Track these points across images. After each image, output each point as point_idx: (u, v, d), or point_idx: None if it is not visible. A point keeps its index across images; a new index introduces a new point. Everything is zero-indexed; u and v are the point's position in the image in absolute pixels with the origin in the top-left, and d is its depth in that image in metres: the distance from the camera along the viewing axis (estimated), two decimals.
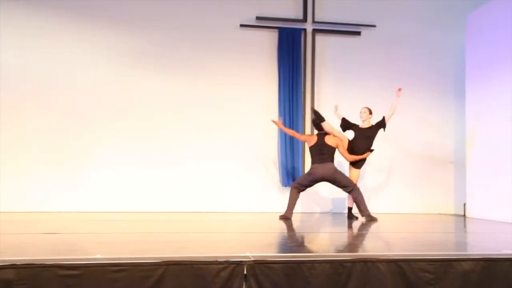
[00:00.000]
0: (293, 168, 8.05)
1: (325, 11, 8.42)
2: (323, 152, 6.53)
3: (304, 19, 8.33)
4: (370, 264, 3.35)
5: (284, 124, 7.65)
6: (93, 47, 7.79)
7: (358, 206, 6.65)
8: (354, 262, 3.34)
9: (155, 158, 7.76)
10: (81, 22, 7.77)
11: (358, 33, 8.46)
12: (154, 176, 7.74)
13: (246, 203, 7.91)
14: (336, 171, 6.57)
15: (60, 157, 7.57)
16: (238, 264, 3.20)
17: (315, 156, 6.61)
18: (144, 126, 7.81)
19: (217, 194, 7.86)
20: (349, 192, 6.70)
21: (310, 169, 6.65)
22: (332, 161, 6.57)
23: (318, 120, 6.61)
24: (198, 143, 7.89)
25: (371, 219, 6.55)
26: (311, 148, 6.67)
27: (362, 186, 8.18)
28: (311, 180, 6.63)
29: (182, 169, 7.82)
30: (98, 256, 3.29)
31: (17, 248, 3.91)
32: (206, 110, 7.96)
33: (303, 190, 6.75)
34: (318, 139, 6.61)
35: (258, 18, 8.16)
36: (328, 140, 6.58)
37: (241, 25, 8.13)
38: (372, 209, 8.08)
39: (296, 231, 5.77)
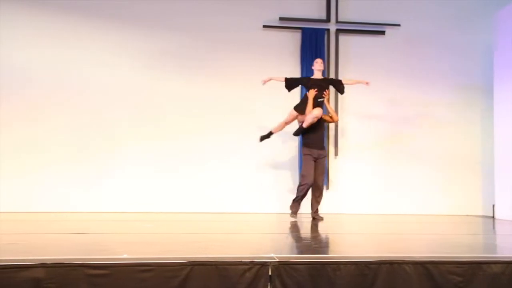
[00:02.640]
0: None
1: (349, 11, 8.36)
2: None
3: (328, 19, 8.29)
4: (396, 265, 3.30)
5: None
6: (115, 47, 7.87)
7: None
8: (380, 263, 3.30)
9: (175, 158, 7.80)
10: (102, 23, 7.87)
11: (382, 33, 8.37)
12: (174, 176, 7.77)
13: (266, 204, 7.90)
14: None
15: (82, 157, 7.66)
16: (263, 265, 3.20)
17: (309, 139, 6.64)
18: (165, 127, 7.86)
19: (237, 195, 7.87)
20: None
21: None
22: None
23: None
24: (218, 144, 7.91)
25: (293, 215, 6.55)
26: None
27: (390, 186, 8.16)
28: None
29: (202, 170, 7.85)
30: (125, 256, 3.33)
31: (45, 248, 3.99)
32: (228, 111, 7.97)
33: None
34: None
35: (281, 19, 8.15)
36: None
37: (264, 26, 8.13)
38: (399, 210, 7.99)
39: (320, 232, 5.73)
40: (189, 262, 3.15)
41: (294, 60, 8.18)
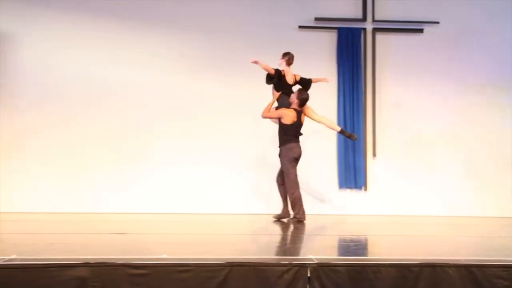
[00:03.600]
0: (354, 169, 7.91)
1: (385, 9, 8.23)
2: (300, 133, 6.29)
3: (364, 18, 8.19)
4: (438, 268, 3.23)
5: (345, 128, 7.53)
6: (150, 49, 7.94)
7: (285, 198, 6.36)
8: (421, 266, 3.24)
9: (211, 158, 7.82)
10: (137, 26, 7.96)
11: (421, 31, 8.21)
12: (208, 177, 7.79)
13: (306, 205, 7.83)
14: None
15: (119, 159, 7.78)
16: (302, 266, 3.19)
17: (291, 136, 6.22)
18: (201, 127, 7.90)
19: (273, 196, 7.84)
20: (283, 183, 6.36)
21: (291, 149, 6.20)
22: None
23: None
24: (256, 144, 7.90)
25: (280, 218, 6.30)
26: (288, 127, 6.21)
27: (427, 187, 8.00)
28: (296, 163, 6.31)
29: (237, 171, 7.85)
30: (164, 256, 3.38)
31: (88, 247, 4.09)
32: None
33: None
34: (297, 118, 6.22)
35: (316, 19, 8.11)
36: (303, 118, 6.32)
37: (300, 27, 8.10)
38: (436, 211, 7.82)
39: (358, 233, 5.67)
40: (227, 263, 3.17)
41: (330, 60, 8.11)
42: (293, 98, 6.27)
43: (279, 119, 6.26)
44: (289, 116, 6.19)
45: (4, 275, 3.00)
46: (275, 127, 6.49)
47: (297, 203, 6.16)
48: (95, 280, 3.03)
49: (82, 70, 7.88)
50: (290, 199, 6.24)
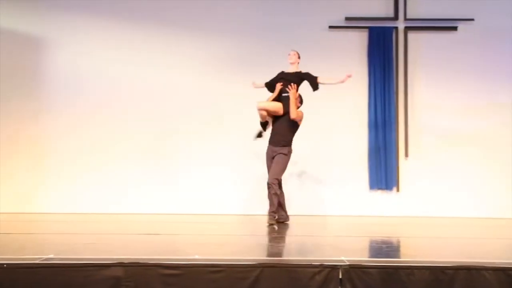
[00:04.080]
0: (385, 171, 7.81)
1: (418, 7, 8.08)
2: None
3: (395, 17, 8.07)
4: (474, 271, 3.16)
5: (376, 128, 7.46)
6: (180, 50, 7.98)
7: (270, 200, 5.95)
8: (456, 269, 3.18)
9: (243, 160, 7.82)
10: (166, 30, 8.02)
11: (455, 28, 8.04)
12: (240, 178, 7.79)
13: (335, 206, 7.79)
14: None
15: (151, 160, 7.84)
16: (333, 268, 3.18)
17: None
18: (231, 128, 7.91)
19: (304, 197, 7.81)
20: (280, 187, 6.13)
21: (292, 151, 6.13)
22: None
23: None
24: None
25: (272, 224, 5.87)
26: (298, 128, 6.17)
27: (462, 187, 7.83)
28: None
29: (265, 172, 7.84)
30: (196, 256, 3.41)
31: (122, 248, 4.17)
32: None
33: None
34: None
35: (347, 18, 8.04)
36: None
37: (330, 27, 8.05)
38: (470, 212, 7.63)
39: (390, 235, 5.60)
40: (259, 264, 3.19)
41: (361, 60, 8.02)
42: (297, 102, 6.19)
43: (297, 120, 6.13)
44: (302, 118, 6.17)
45: (42, 273, 3.10)
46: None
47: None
48: (129, 280, 3.09)
49: (111, 73, 8.00)
50: (274, 197, 5.94)
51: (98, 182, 7.79)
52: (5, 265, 3.09)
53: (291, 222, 6.22)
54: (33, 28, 8.02)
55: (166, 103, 8.01)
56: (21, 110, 7.90)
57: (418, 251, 4.47)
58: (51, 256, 3.33)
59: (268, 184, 5.97)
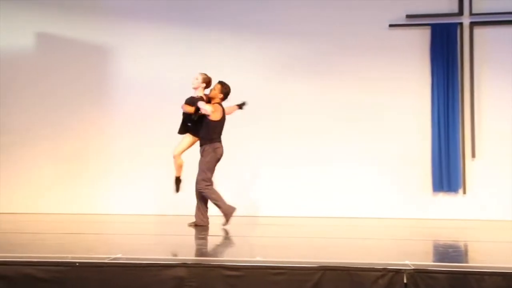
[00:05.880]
0: (448, 173, 7.52)
1: (484, 1, 7.75)
2: (222, 130, 5.78)
3: (460, 12, 7.77)
4: None
5: (438, 128, 7.21)
6: (242, 55, 8.07)
7: (215, 202, 5.69)
8: None
9: (302, 161, 7.78)
10: (227, 32, 8.10)
11: None
12: (301, 179, 7.75)
13: (396, 209, 7.58)
14: None
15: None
16: (397, 272, 3.10)
17: (217, 134, 5.73)
18: (292, 129, 7.87)
19: (365, 199, 7.67)
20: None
21: (215, 149, 5.67)
22: None
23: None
24: (346, 147, 7.76)
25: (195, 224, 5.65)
26: (216, 124, 5.71)
27: (484, 188, 7.45)
28: (216, 164, 5.74)
29: (328, 173, 7.73)
30: (258, 258, 3.44)
31: (185, 248, 4.27)
32: (354, 114, 7.81)
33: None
34: (223, 114, 5.77)
35: (408, 16, 7.83)
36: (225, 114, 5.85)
37: (390, 25, 7.87)
38: (496, 215, 7.20)
39: (457, 238, 5.39)
40: (321, 266, 3.16)
41: (422, 59, 7.77)
42: (216, 92, 5.80)
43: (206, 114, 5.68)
44: (218, 112, 5.71)
45: (111, 272, 3.22)
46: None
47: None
48: (192, 280, 3.16)
49: (174, 78, 8.18)
50: (202, 199, 5.75)
51: (160, 183, 7.99)
52: (77, 264, 3.25)
53: (348, 224, 6.14)
54: (98, 37, 8.32)
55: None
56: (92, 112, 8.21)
57: (487, 256, 4.27)
58: (119, 255, 3.46)
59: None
